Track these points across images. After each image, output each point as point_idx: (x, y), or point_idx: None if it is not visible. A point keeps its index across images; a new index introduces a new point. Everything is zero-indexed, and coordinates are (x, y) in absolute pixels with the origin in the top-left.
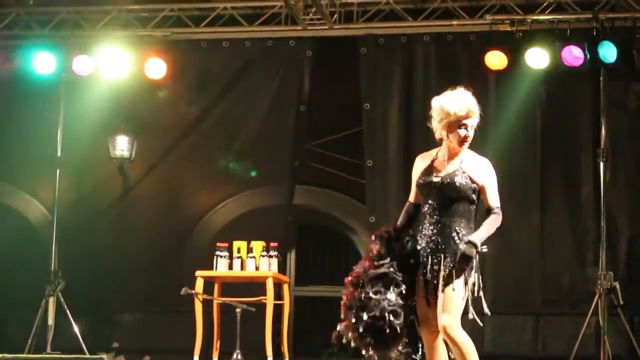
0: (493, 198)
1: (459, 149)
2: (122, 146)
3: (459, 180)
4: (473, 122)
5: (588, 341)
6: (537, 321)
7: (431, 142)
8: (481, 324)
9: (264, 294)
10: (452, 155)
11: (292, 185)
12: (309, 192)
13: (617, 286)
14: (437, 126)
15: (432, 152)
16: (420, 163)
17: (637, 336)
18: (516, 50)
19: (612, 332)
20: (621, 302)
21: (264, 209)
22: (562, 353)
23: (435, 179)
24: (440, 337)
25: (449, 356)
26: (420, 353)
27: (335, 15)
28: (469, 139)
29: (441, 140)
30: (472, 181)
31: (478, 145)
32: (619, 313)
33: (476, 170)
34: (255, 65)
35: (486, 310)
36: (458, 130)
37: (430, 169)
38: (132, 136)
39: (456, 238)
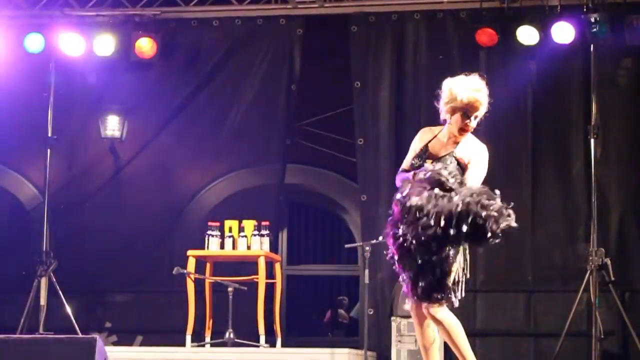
0: (471, 178)
1: (458, 136)
2: (112, 126)
3: (449, 169)
4: (478, 112)
5: (579, 317)
6: (529, 298)
7: (422, 120)
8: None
9: (256, 273)
10: (450, 140)
11: (284, 164)
12: (301, 171)
13: (609, 262)
14: (442, 107)
15: (435, 130)
16: (422, 137)
17: (628, 312)
18: (507, 27)
19: (604, 308)
20: (612, 278)
21: (255, 188)
22: (553, 329)
23: (425, 166)
24: None
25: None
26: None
27: None
28: (470, 129)
29: (445, 121)
30: (459, 162)
31: None
32: (610, 289)
33: (467, 151)
34: (246, 44)
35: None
36: (461, 117)
37: (425, 151)
38: (123, 116)
39: None
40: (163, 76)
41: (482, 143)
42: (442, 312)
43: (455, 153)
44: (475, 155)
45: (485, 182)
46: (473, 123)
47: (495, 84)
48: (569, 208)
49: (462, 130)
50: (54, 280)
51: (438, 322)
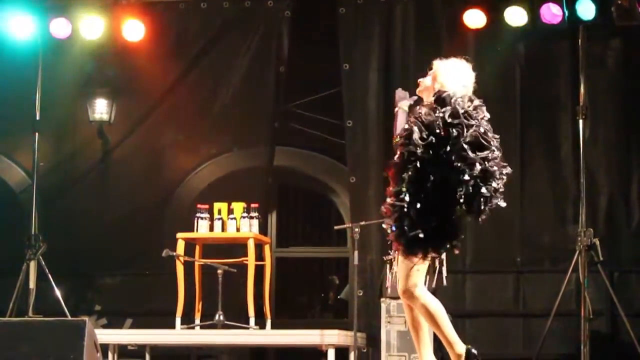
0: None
1: None
2: (101, 109)
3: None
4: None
5: (569, 298)
6: (518, 279)
7: None
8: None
9: (245, 255)
10: None
11: (272, 147)
12: (289, 153)
13: (597, 243)
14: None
15: None
16: None
17: (617, 292)
18: (495, 8)
19: (593, 288)
20: (601, 259)
21: (244, 171)
22: (543, 310)
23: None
24: None
25: None
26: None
27: None
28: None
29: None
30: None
31: None
32: (599, 269)
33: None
34: (234, 26)
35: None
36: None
37: None
38: (111, 99)
39: None
40: (151, 59)
41: None
42: (425, 295)
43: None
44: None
45: None
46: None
47: (484, 65)
48: (557, 189)
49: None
50: (43, 263)
51: (420, 306)
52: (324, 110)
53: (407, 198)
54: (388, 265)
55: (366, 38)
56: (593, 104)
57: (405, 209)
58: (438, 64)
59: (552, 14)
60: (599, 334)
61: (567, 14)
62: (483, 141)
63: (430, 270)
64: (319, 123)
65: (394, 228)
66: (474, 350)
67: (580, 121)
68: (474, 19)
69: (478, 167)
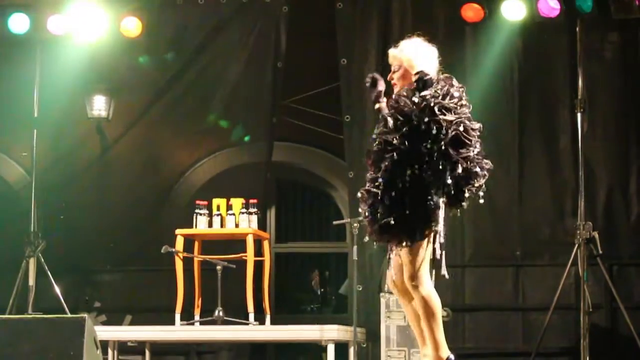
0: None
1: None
2: (99, 106)
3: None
4: (394, 65)
5: (568, 291)
6: (517, 272)
7: None
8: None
9: (244, 251)
10: None
11: (271, 142)
12: (288, 149)
13: (596, 236)
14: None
15: None
16: None
17: (616, 285)
18: (492, 2)
19: (592, 281)
20: (600, 252)
21: (242, 166)
22: (542, 303)
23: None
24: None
25: None
26: None
27: None
28: (395, 84)
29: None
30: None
31: None
32: (598, 262)
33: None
34: (231, 22)
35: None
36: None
37: None
38: (109, 96)
39: None
40: (149, 55)
41: None
42: (428, 288)
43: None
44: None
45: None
46: (395, 75)
47: (482, 59)
48: (556, 182)
49: (394, 86)
50: (43, 260)
51: (421, 298)
52: (322, 105)
53: (381, 186)
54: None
55: (363, 33)
56: (591, 97)
57: (379, 197)
58: (411, 53)
59: (549, 7)
60: (599, 327)
61: (564, 7)
62: (464, 139)
63: (431, 265)
64: (317, 118)
65: (367, 214)
66: (452, 357)
67: (579, 114)
68: (472, 12)
69: (460, 167)
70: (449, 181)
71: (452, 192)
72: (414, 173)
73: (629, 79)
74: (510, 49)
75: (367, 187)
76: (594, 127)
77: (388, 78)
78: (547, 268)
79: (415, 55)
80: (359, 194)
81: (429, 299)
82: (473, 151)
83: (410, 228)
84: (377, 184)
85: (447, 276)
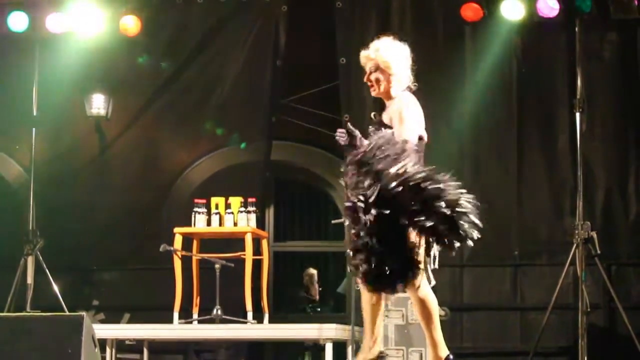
0: (400, 135)
1: (385, 99)
2: (98, 104)
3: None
4: (368, 67)
5: (566, 291)
6: (515, 272)
7: None
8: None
9: (243, 250)
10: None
11: (270, 141)
12: (287, 148)
13: (595, 236)
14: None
15: None
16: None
17: (615, 285)
18: (491, 1)
19: (590, 281)
20: (598, 252)
21: (241, 165)
22: (540, 303)
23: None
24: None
25: None
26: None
27: None
28: (375, 88)
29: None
30: (388, 126)
31: (455, 98)
32: (597, 262)
33: (389, 113)
34: (231, 21)
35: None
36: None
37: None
38: (108, 94)
39: None
40: (148, 54)
41: (405, 95)
42: (425, 289)
43: (384, 119)
44: (395, 112)
45: (466, 155)
46: (372, 77)
47: (481, 58)
48: (554, 182)
49: (370, 87)
50: (41, 258)
51: (419, 299)
52: (321, 104)
53: (369, 243)
54: None
55: (363, 32)
56: (590, 97)
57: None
58: (388, 54)
59: (548, 7)
60: (597, 327)
61: (563, 7)
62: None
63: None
64: (316, 117)
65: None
66: (451, 356)
67: (577, 114)
68: (471, 12)
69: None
70: (441, 228)
71: (447, 243)
72: (396, 230)
73: (628, 78)
74: (510, 48)
75: (354, 241)
76: (593, 127)
77: (365, 79)
78: (546, 268)
79: (391, 55)
80: (347, 251)
81: (426, 300)
82: (444, 193)
83: (402, 276)
84: (363, 240)
85: (433, 282)
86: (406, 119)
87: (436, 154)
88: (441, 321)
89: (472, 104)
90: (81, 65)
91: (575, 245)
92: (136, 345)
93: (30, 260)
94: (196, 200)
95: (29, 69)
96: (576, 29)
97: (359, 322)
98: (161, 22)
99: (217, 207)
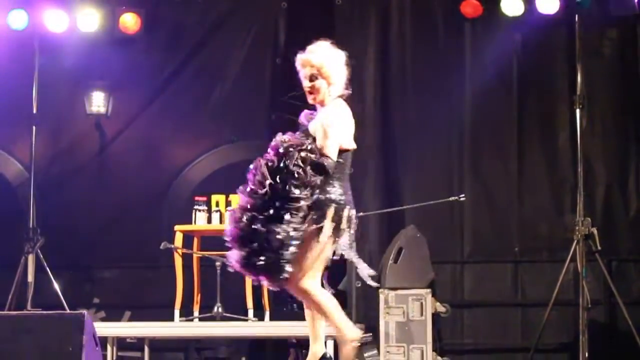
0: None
1: (318, 105)
2: (97, 102)
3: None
4: (304, 72)
5: (567, 287)
6: (516, 269)
7: (408, 94)
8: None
9: None
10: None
11: (269, 139)
12: None
13: (595, 232)
14: (341, 81)
15: None
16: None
17: (615, 281)
18: None
19: (591, 277)
20: (599, 248)
21: (241, 163)
22: (541, 299)
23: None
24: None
25: None
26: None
27: None
28: (311, 94)
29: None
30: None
31: (454, 94)
32: (597, 259)
33: (313, 125)
34: (230, 18)
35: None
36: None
37: None
38: (108, 92)
39: None
40: (148, 52)
41: (335, 105)
42: (307, 282)
43: (309, 127)
44: (319, 127)
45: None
46: (305, 83)
47: (481, 55)
48: (555, 178)
49: (309, 94)
50: (42, 256)
51: (304, 293)
52: None
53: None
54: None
55: (362, 29)
56: (590, 93)
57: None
58: (325, 62)
59: (548, 3)
60: (597, 323)
61: (563, 3)
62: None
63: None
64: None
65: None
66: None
67: (577, 110)
68: (471, 8)
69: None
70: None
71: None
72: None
73: (628, 75)
74: (509, 45)
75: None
76: (593, 123)
77: (305, 87)
78: (546, 264)
79: (327, 61)
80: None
81: (309, 291)
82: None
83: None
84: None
85: (373, 284)
86: (330, 136)
87: (436, 150)
88: (442, 318)
89: (472, 100)
90: (81, 63)
91: (575, 241)
92: (137, 343)
93: (30, 259)
94: (197, 198)
95: (29, 66)
96: (576, 25)
97: (359, 319)
98: (160, 19)
99: (217, 204)
